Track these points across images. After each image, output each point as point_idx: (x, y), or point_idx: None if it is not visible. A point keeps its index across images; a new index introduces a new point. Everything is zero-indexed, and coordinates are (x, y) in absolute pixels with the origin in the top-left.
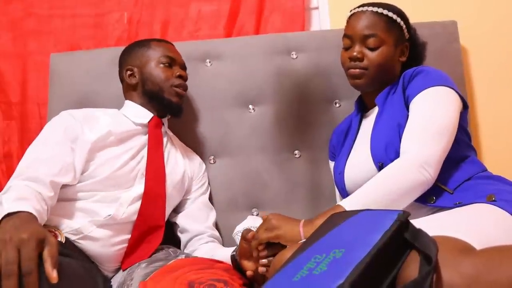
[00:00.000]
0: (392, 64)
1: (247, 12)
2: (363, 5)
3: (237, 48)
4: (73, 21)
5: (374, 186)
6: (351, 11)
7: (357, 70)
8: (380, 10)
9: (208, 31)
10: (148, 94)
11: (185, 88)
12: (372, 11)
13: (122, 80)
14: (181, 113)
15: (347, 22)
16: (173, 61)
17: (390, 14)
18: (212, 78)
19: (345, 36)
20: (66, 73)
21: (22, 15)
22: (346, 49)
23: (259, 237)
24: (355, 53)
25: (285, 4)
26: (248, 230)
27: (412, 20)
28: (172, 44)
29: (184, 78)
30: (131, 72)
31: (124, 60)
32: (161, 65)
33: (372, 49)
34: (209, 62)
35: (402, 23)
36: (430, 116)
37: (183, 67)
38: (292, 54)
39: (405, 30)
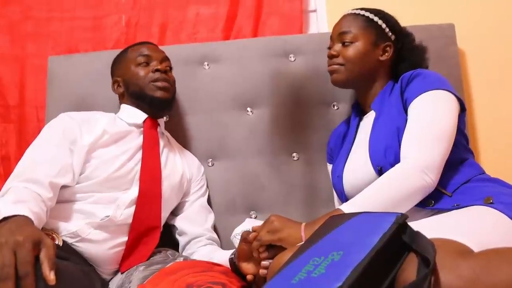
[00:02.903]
0: (369, 61)
1: (245, 15)
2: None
3: (235, 51)
4: (71, 24)
5: (375, 191)
6: None
7: (332, 66)
8: (358, 11)
9: (206, 34)
10: (134, 96)
11: (165, 80)
12: (352, 13)
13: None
14: (168, 107)
15: None
16: (150, 58)
17: (367, 14)
18: (210, 81)
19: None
20: (64, 76)
21: (20, 18)
22: (329, 49)
23: (261, 239)
24: (331, 51)
25: (283, 7)
26: (247, 232)
27: (409, 23)
28: (151, 43)
29: (162, 70)
30: (117, 83)
31: (112, 74)
32: (139, 65)
33: (347, 45)
34: (207, 65)
35: (382, 23)
36: (430, 120)
37: (163, 60)
38: (290, 57)
39: (387, 31)
